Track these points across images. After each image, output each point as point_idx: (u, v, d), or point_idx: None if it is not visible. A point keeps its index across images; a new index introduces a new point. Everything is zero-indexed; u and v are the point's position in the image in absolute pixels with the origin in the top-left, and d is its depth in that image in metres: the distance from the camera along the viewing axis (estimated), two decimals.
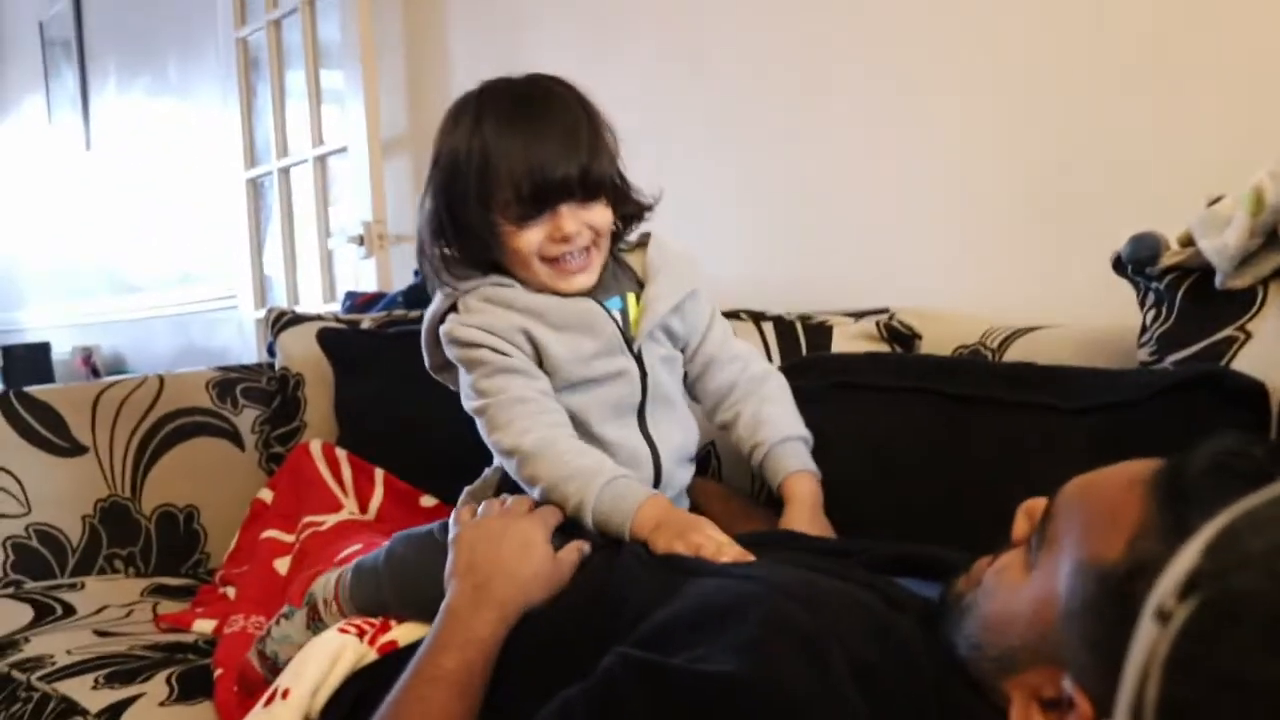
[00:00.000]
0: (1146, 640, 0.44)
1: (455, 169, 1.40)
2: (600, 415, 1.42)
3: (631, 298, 1.47)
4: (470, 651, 1.15)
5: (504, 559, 1.22)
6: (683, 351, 1.54)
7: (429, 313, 1.50)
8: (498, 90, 1.43)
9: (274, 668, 1.40)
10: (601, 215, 1.40)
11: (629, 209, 1.47)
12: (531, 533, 1.26)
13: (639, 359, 1.45)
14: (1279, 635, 0.40)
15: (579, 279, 1.41)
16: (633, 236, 1.53)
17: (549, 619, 1.17)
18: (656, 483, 1.45)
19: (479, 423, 1.43)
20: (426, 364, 1.54)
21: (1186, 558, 0.44)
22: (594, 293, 1.44)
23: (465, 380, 1.44)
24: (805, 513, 1.42)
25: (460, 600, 1.20)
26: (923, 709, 0.90)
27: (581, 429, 1.41)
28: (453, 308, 1.45)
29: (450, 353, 1.44)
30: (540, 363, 1.41)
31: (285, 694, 1.22)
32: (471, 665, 1.14)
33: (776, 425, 1.50)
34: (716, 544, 1.22)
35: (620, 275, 1.49)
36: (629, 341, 1.44)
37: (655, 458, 1.45)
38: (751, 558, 1.20)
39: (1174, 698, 0.42)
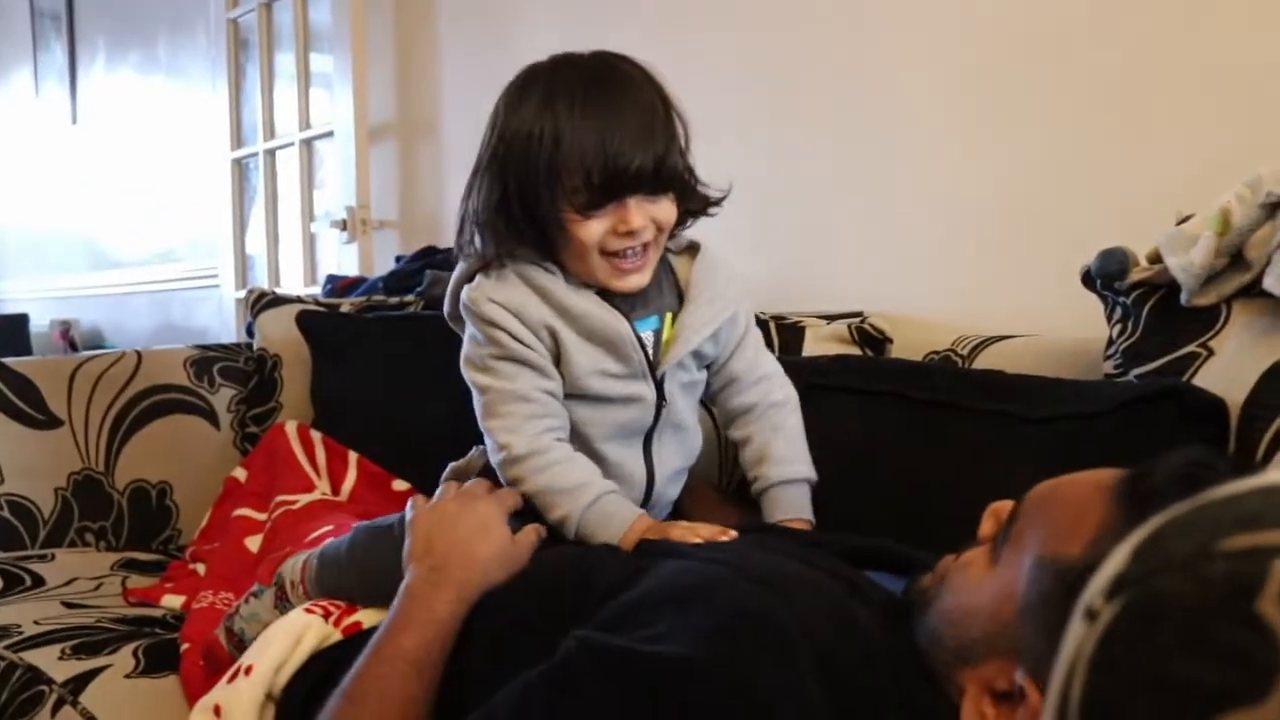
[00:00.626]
0: (1075, 638, 0.46)
1: (523, 148, 1.31)
2: (605, 433, 1.40)
3: (668, 318, 1.41)
4: (428, 631, 1.15)
5: (461, 540, 1.23)
6: (708, 367, 1.49)
7: (457, 274, 1.44)
8: (570, 67, 1.36)
9: (240, 645, 1.40)
10: (668, 210, 1.34)
11: (695, 204, 1.42)
12: (489, 514, 1.26)
13: (660, 385, 1.40)
14: (1197, 637, 0.41)
15: (634, 278, 1.35)
16: (682, 240, 1.48)
17: (515, 599, 1.17)
18: (646, 499, 1.43)
19: (475, 396, 1.39)
20: (445, 311, 1.49)
21: (1116, 560, 0.46)
22: (632, 306, 1.38)
23: (473, 350, 1.39)
24: None
25: (418, 581, 1.20)
26: (879, 699, 0.91)
27: (582, 442, 1.38)
28: (484, 270, 1.39)
29: (467, 316, 1.39)
30: (557, 362, 1.36)
31: (249, 670, 1.23)
32: (430, 645, 1.14)
33: (781, 463, 1.45)
34: (693, 531, 1.26)
35: (663, 284, 1.43)
36: (653, 367, 1.39)
37: (650, 479, 1.43)
38: (729, 533, 1.24)
39: (1096, 695, 0.44)
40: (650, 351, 1.39)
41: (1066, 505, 0.89)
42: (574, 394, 1.37)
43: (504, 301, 1.34)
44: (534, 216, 1.33)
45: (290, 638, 1.25)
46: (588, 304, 1.35)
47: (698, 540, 1.22)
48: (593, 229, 1.30)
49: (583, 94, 1.30)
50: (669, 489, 1.48)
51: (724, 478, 1.73)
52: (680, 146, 1.35)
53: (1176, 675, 0.41)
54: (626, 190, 1.29)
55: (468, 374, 1.39)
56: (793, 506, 1.43)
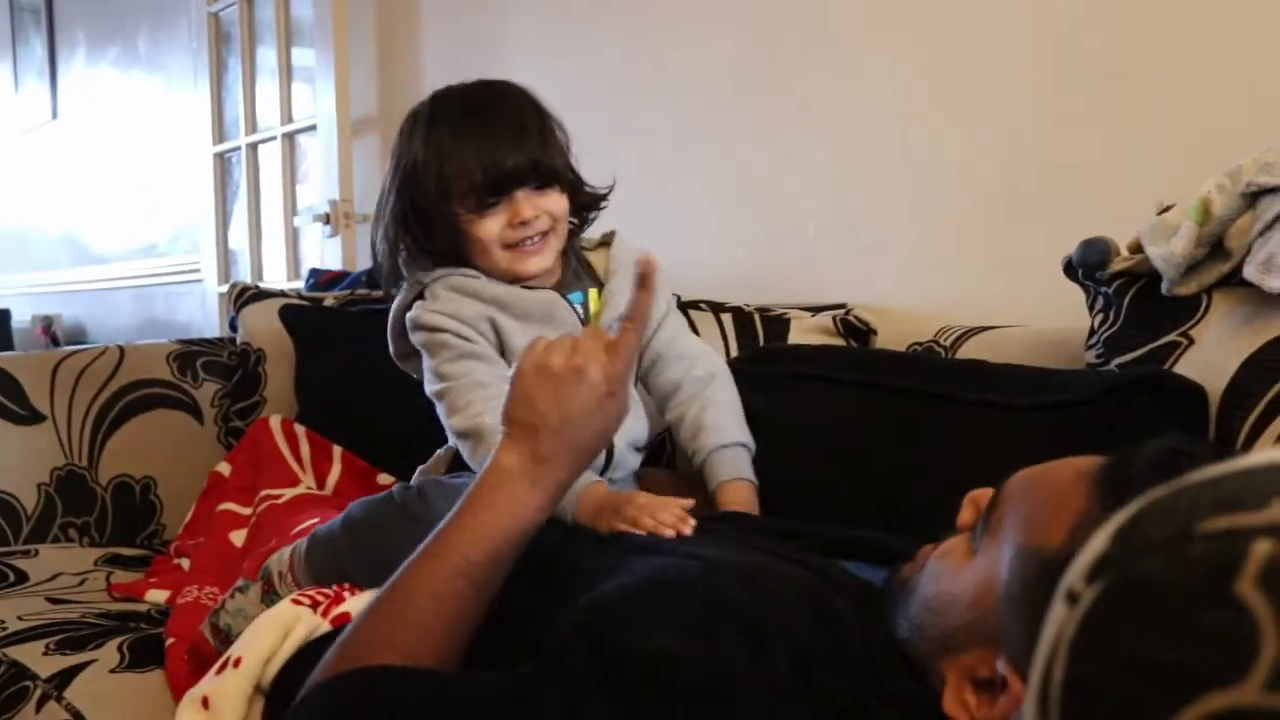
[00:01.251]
0: (1056, 621, 0.46)
1: (414, 171, 1.50)
2: None
3: (594, 292, 1.56)
4: (504, 544, 1.05)
5: (573, 420, 1.09)
6: None
7: (396, 303, 1.57)
8: (448, 97, 1.56)
9: (227, 640, 1.39)
10: (557, 202, 1.51)
11: (584, 199, 1.59)
12: (610, 381, 1.10)
13: None
14: (1178, 619, 0.41)
15: (535, 260, 1.50)
16: (596, 234, 1.62)
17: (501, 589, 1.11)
18: (607, 465, 1.49)
19: (438, 406, 1.47)
20: (391, 351, 1.62)
21: (1097, 543, 0.46)
22: (556, 286, 1.53)
23: (428, 365, 1.50)
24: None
25: (515, 465, 1.08)
26: (859, 690, 0.91)
27: None
28: (419, 296, 1.53)
29: (415, 338, 1.51)
30: (502, 351, 1.49)
31: (237, 662, 1.23)
32: (500, 562, 1.05)
33: (715, 432, 1.52)
34: (650, 510, 1.24)
35: (582, 272, 1.58)
36: None
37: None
38: (687, 519, 1.23)
39: (1078, 677, 0.44)
40: (583, 317, 1.54)
41: (1046, 493, 0.89)
42: None
43: (442, 309, 1.48)
44: (437, 229, 1.51)
45: (279, 629, 1.24)
46: (516, 291, 1.51)
47: (653, 521, 1.22)
48: (489, 226, 1.48)
49: (460, 115, 1.51)
50: (629, 455, 1.55)
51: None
52: (559, 149, 1.53)
53: (1157, 657, 0.41)
54: (510, 185, 1.47)
55: (430, 389, 1.50)
56: (732, 468, 1.50)
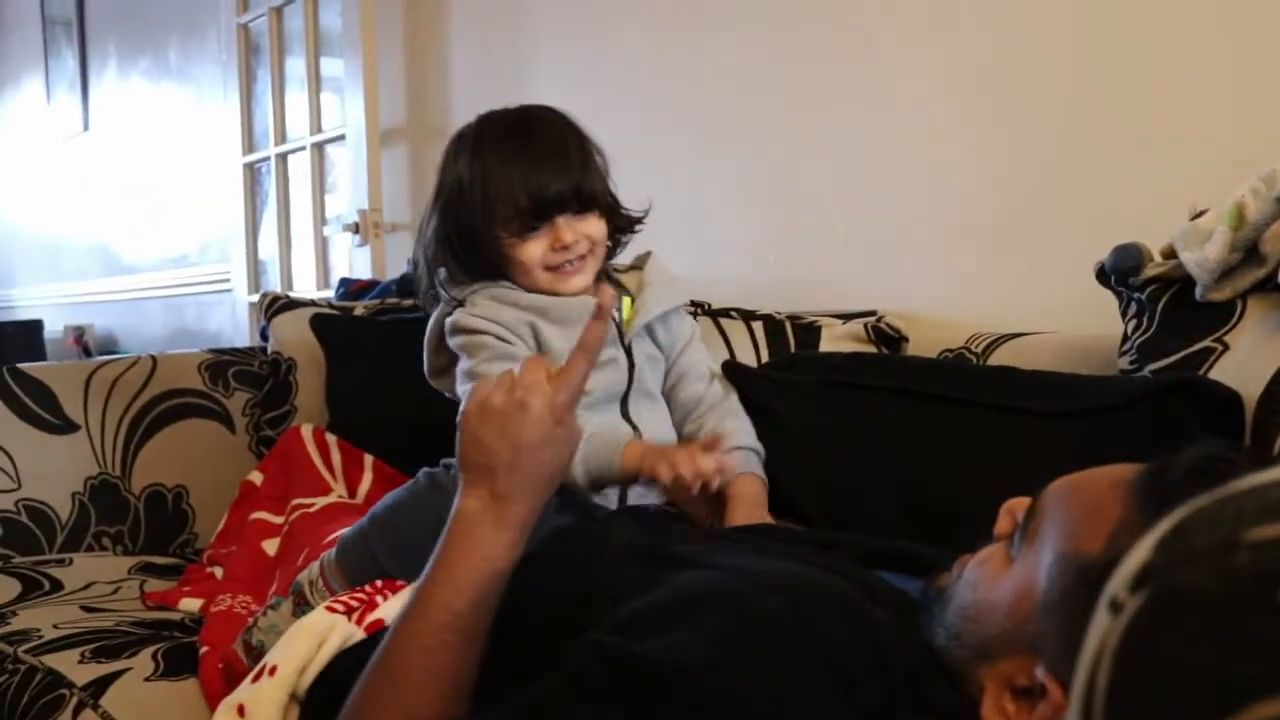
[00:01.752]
0: (1099, 630, 0.46)
1: (460, 195, 1.56)
2: (586, 401, 1.48)
3: (626, 301, 1.63)
4: (484, 588, 1.05)
5: (526, 450, 1.07)
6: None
7: (433, 318, 1.63)
8: (494, 121, 1.61)
9: (260, 658, 1.37)
10: (596, 226, 1.57)
11: (621, 221, 1.64)
12: (555, 411, 1.09)
13: (629, 352, 1.59)
14: (1223, 628, 0.41)
15: (575, 280, 1.56)
16: (627, 258, 1.69)
17: (523, 598, 1.10)
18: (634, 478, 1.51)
19: None
20: (426, 369, 1.69)
21: (1140, 552, 0.46)
22: (591, 293, 1.57)
23: (463, 367, 1.55)
24: (745, 507, 1.49)
25: (476, 511, 1.07)
26: (895, 701, 0.91)
27: None
28: (459, 305, 1.58)
29: (454, 341, 1.57)
30: (540, 352, 1.53)
31: (273, 670, 1.23)
32: (482, 605, 1.05)
33: (733, 436, 1.58)
34: (689, 457, 1.32)
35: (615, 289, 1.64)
36: (621, 335, 1.58)
37: (636, 435, 1.54)
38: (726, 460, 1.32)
39: (1122, 686, 0.44)
40: (617, 321, 1.60)
41: (1084, 501, 0.89)
42: None
43: (483, 314, 1.54)
44: (478, 250, 1.57)
45: (314, 638, 1.24)
46: (552, 298, 1.56)
47: (692, 466, 1.32)
48: (532, 249, 1.54)
49: (505, 139, 1.57)
50: None
51: None
52: (599, 174, 1.59)
53: (1202, 666, 0.41)
54: (554, 211, 1.53)
55: (462, 391, 1.55)
56: (745, 465, 1.56)
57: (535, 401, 1.08)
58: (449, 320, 1.58)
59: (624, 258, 1.71)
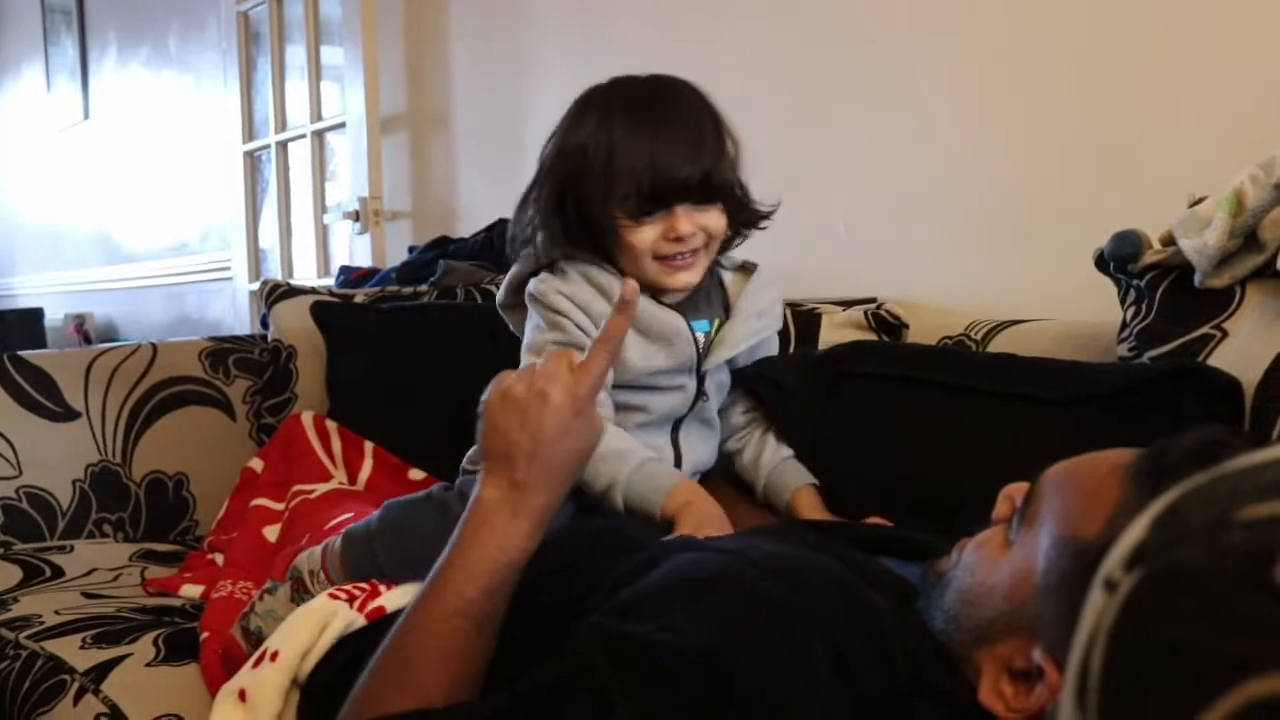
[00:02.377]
0: (1095, 609, 0.46)
1: (581, 160, 1.43)
2: (641, 419, 1.49)
3: (716, 323, 1.54)
4: (498, 576, 1.05)
5: (546, 442, 1.08)
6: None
7: (515, 269, 1.56)
8: (628, 87, 1.49)
9: (258, 643, 1.37)
10: (716, 220, 1.45)
11: (745, 217, 1.53)
12: (576, 402, 1.09)
13: (701, 380, 1.52)
14: (1216, 606, 0.41)
15: (684, 275, 1.46)
16: (738, 255, 1.61)
17: (524, 586, 1.10)
18: None
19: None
20: (499, 300, 1.60)
21: (1135, 531, 0.46)
22: (685, 310, 1.50)
23: (534, 329, 1.50)
24: (815, 515, 1.47)
25: (495, 499, 1.08)
26: (894, 685, 0.91)
27: (618, 425, 1.45)
28: (549, 268, 1.49)
29: (533, 306, 1.49)
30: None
31: (274, 656, 1.23)
32: (496, 594, 1.05)
33: (775, 451, 1.56)
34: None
35: (714, 295, 1.56)
36: (700, 363, 1.51)
37: (678, 461, 1.51)
38: None
39: (1117, 664, 0.44)
40: (700, 348, 1.50)
41: (1083, 485, 0.89)
42: (622, 383, 1.46)
43: (570, 295, 1.45)
44: (590, 222, 1.45)
45: (316, 624, 1.24)
46: (646, 303, 1.45)
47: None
48: (645, 234, 1.42)
49: (637, 111, 1.43)
50: (695, 478, 1.54)
51: None
52: (729, 163, 1.46)
53: (1197, 644, 0.41)
54: (675, 199, 1.41)
55: (527, 358, 1.48)
56: (799, 476, 1.52)
57: (555, 393, 1.08)
58: (534, 284, 1.48)
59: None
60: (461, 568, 1.05)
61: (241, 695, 1.22)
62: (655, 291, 1.48)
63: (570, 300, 1.45)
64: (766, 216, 1.55)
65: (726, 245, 1.55)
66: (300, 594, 1.44)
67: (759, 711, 0.84)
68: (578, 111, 1.48)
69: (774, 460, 1.54)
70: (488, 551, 1.06)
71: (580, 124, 1.46)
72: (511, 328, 1.59)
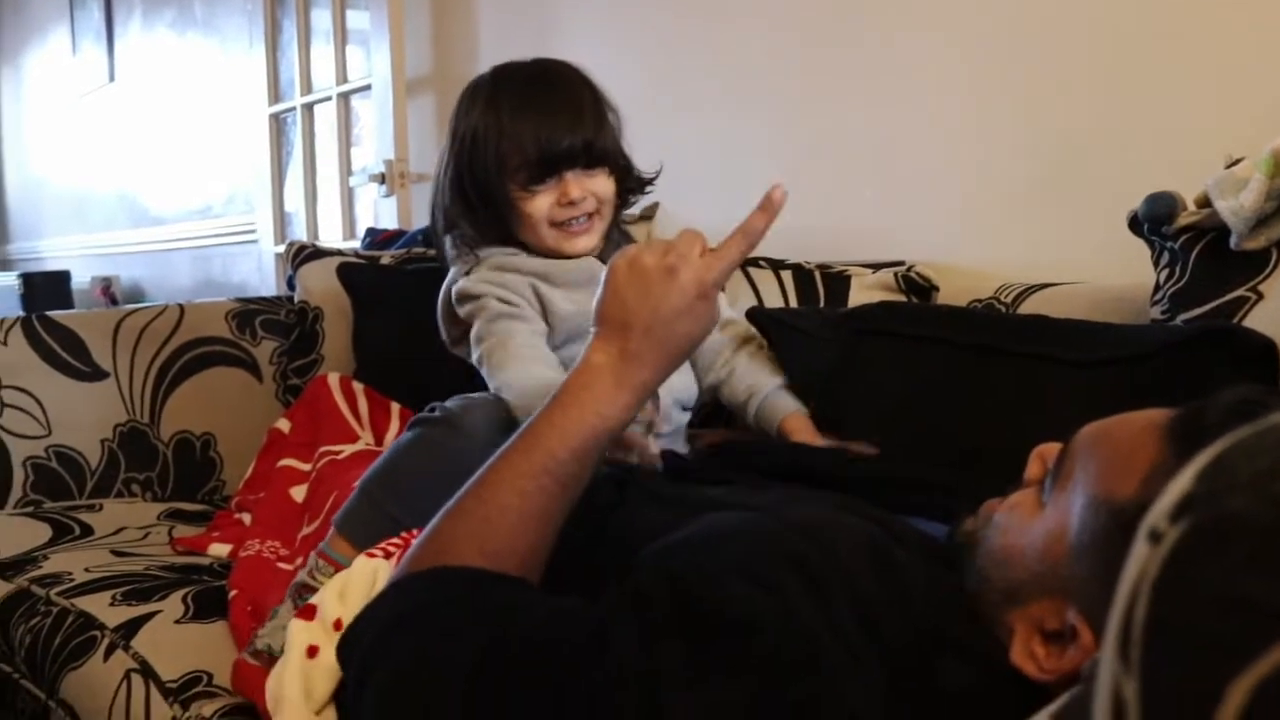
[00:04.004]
0: (1139, 560, 0.45)
1: (474, 145, 1.56)
2: None
3: None
4: (590, 439, 1.05)
5: (662, 320, 1.08)
6: None
7: (444, 286, 1.65)
8: (509, 73, 1.61)
9: (271, 660, 1.29)
10: (604, 184, 1.58)
11: (630, 183, 1.66)
12: (701, 286, 1.09)
13: None
14: (1267, 556, 0.41)
15: (582, 240, 1.58)
16: (637, 209, 1.72)
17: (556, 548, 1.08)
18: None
19: (483, 370, 1.53)
20: (444, 338, 1.71)
21: (1181, 482, 0.45)
22: (599, 256, 1.61)
23: (474, 333, 1.57)
24: (807, 439, 1.51)
25: (603, 362, 1.09)
26: (922, 643, 0.91)
27: None
28: (466, 274, 1.60)
29: (462, 310, 1.60)
30: (545, 317, 1.57)
31: (338, 625, 1.18)
32: (585, 457, 1.05)
33: (766, 378, 1.59)
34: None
35: (624, 244, 1.54)
36: None
37: (654, 397, 1.48)
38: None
39: (1162, 616, 0.43)
40: None
41: (1117, 445, 0.88)
42: (564, 339, 1.56)
43: (487, 279, 1.57)
44: (489, 200, 1.57)
45: (365, 585, 1.21)
46: (557, 261, 1.58)
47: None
48: (539, 203, 1.55)
49: (520, 92, 1.57)
50: (674, 412, 1.59)
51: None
52: (611, 133, 1.59)
53: (1244, 594, 0.41)
54: (562, 165, 1.54)
55: (474, 356, 1.57)
56: (793, 402, 1.56)
57: (684, 271, 1.09)
58: (455, 289, 1.60)
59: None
60: (558, 426, 1.05)
61: (312, 651, 1.17)
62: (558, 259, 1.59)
63: (487, 283, 1.56)
64: (650, 182, 1.68)
65: (617, 214, 1.66)
66: (303, 597, 1.39)
67: (782, 664, 0.84)
68: (467, 100, 1.61)
69: (765, 389, 1.58)
70: (585, 415, 1.06)
71: (468, 112, 1.59)
72: (469, 361, 1.61)
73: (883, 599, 0.91)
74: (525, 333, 1.53)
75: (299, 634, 1.18)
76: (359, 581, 1.22)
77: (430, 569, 0.98)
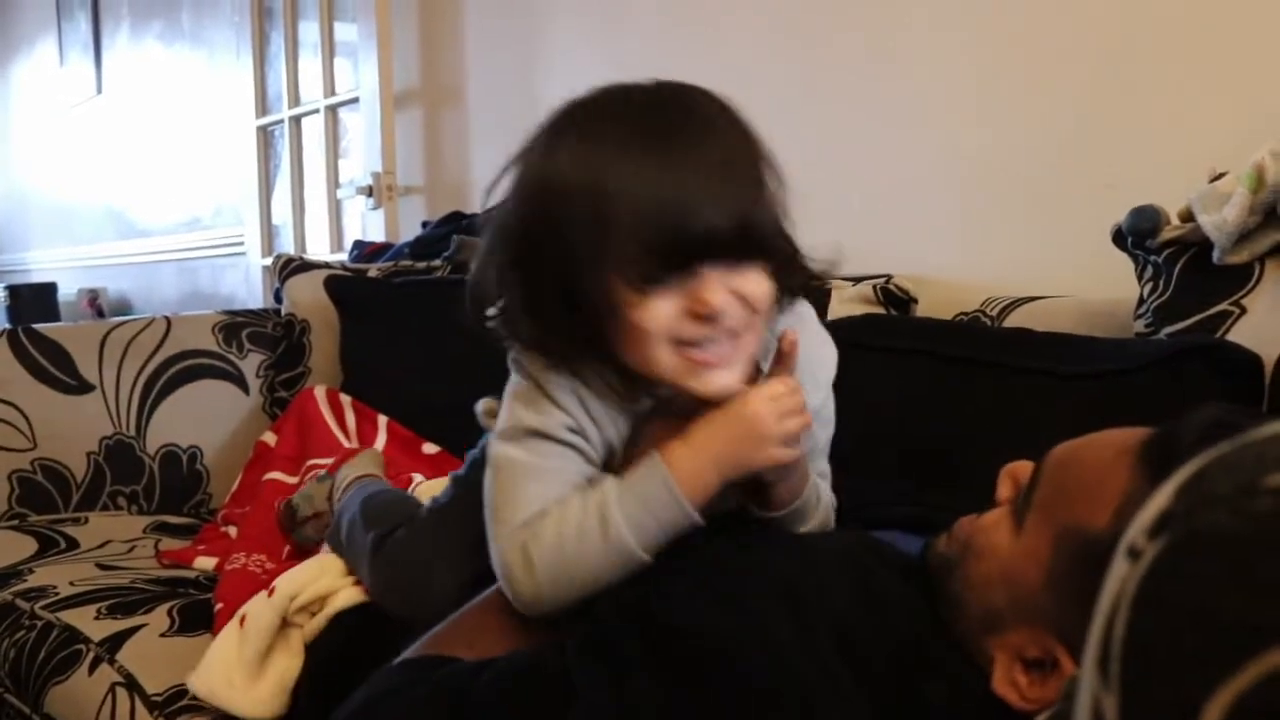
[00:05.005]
0: (1117, 578, 0.45)
1: (550, 196, 1.00)
2: None
3: None
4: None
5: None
6: None
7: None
8: (620, 99, 1.03)
9: (290, 516, 1.73)
10: (758, 284, 1.00)
11: (795, 279, 1.09)
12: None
13: None
14: (1243, 572, 0.41)
15: (718, 377, 1.00)
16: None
17: None
18: None
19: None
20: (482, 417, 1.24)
21: (1159, 499, 0.46)
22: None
23: (501, 449, 1.06)
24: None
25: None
26: (901, 667, 0.90)
27: None
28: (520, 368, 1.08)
29: (506, 407, 1.09)
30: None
31: (271, 591, 1.36)
32: None
33: None
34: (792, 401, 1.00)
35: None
36: None
37: None
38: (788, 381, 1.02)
39: (1140, 633, 0.44)
40: None
41: (1089, 471, 0.87)
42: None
43: (560, 403, 1.04)
44: (574, 300, 1.00)
45: (313, 568, 1.39)
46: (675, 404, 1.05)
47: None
48: (657, 311, 0.96)
49: (638, 132, 0.98)
50: None
51: None
52: (772, 202, 1.05)
53: (1223, 610, 0.41)
54: (699, 257, 0.96)
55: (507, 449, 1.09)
56: None
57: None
58: (509, 391, 1.09)
59: None
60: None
61: (242, 621, 1.34)
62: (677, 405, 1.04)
63: (559, 407, 1.04)
64: (821, 279, 1.15)
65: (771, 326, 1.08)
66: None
67: (758, 692, 0.84)
68: (549, 137, 1.03)
69: None
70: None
71: (550, 146, 1.02)
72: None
73: (861, 621, 0.90)
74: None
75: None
76: (306, 567, 1.41)
77: (421, 657, 1.02)
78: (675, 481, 0.99)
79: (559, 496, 1.01)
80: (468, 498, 1.15)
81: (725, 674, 0.84)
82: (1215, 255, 1.38)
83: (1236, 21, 1.65)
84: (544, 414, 1.03)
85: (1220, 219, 1.35)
